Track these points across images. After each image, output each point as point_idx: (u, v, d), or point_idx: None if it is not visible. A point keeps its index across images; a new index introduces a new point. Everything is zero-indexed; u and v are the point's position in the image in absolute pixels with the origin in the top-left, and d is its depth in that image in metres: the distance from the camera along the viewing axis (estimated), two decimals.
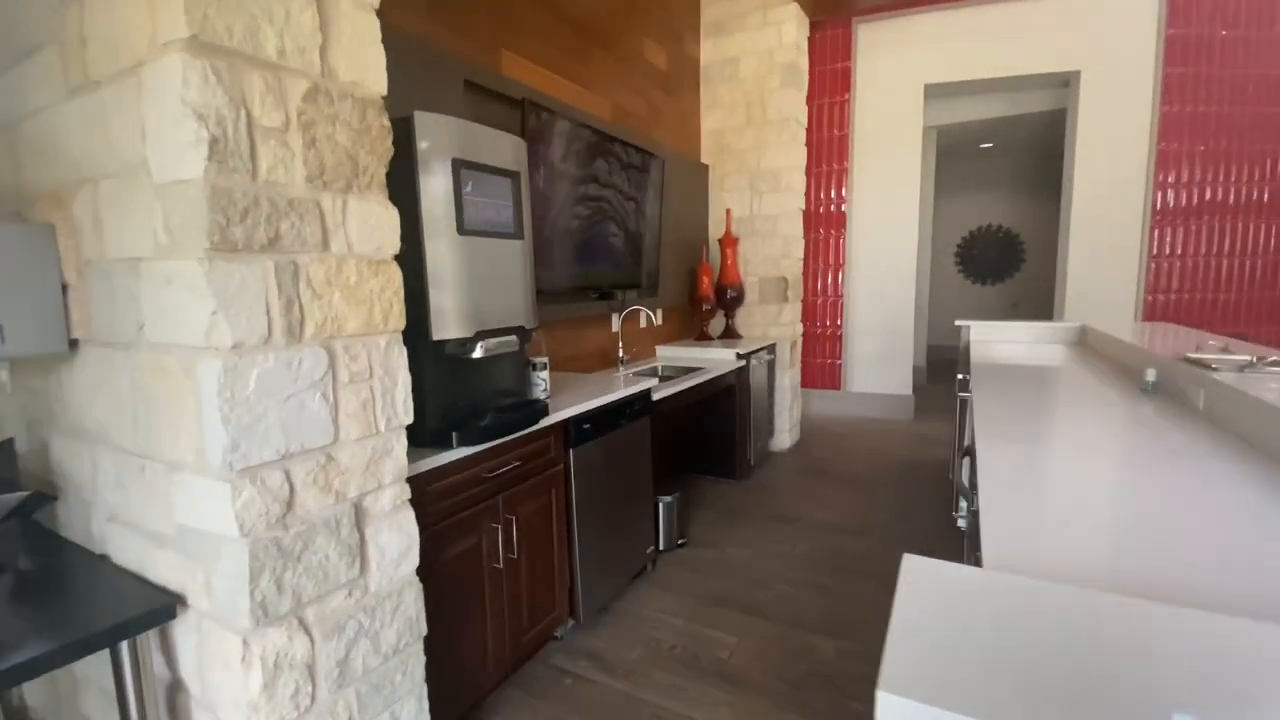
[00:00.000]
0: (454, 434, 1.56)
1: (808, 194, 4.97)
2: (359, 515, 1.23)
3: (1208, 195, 4.47)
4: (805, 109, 4.13)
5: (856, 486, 3.64)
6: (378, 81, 1.22)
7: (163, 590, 1.16)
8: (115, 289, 1.13)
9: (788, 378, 4.27)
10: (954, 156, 7.39)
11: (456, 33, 2.26)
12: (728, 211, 4.12)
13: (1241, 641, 0.65)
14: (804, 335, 5.16)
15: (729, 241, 4.05)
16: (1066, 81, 4.75)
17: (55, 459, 1.39)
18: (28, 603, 1.08)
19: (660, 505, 2.73)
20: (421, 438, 1.51)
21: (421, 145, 1.44)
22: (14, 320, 1.16)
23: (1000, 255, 8.26)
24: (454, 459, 1.57)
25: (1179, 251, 4.58)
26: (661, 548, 2.75)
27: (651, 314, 3.29)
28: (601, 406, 2.19)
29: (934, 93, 4.97)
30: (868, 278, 5.22)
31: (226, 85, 0.97)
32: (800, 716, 1.78)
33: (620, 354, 3.27)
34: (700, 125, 4.26)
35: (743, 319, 4.27)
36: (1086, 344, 3.57)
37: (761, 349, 3.88)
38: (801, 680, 1.94)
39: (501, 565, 1.75)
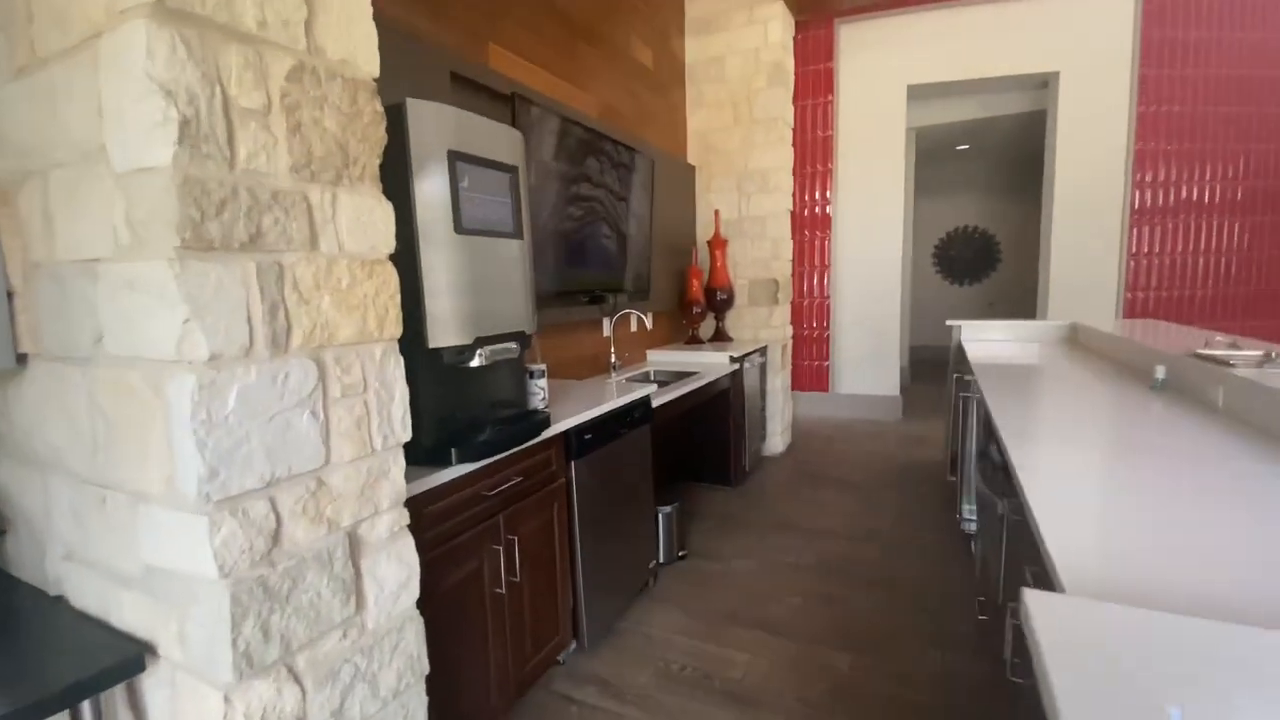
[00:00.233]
0: (453, 450, 1.44)
1: (794, 195, 4.93)
2: (354, 546, 1.10)
3: (1184, 194, 4.55)
4: (792, 109, 4.09)
5: (853, 490, 3.59)
6: (369, 61, 1.09)
7: (129, 638, 1.01)
8: (69, 295, 0.99)
9: (779, 380, 4.21)
10: (931, 158, 7.46)
11: (442, 23, 2.14)
12: (716, 213, 4.05)
13: None
14: (792, 337, 5.12)
15: (718, 243, 3.98)
16: (1045, 83, 4.80)
17: (2, 487, 1.23)
18: None
19: (660, 516, 2.62)
20: (416, 455, 1.38)
21: (415, 136, 1.31)
22: None
23: (976, 256, 8.37)
24: (452, 478, 1.44)
25: (1157, 250, 4.65)
26: (662, 560, 2.64)
27: (643, 318, 3.19)
28: (602, 415, 2.08)
29: (914, 94, 4.98)
30: (853, 279, 5.20)
31: (199, 59, 0.84)
32: None
33: (612, 359, 3.16)
34: (686, 125, 4.19)
35: (733, 322, 4.19)
36: (1077, 342, 3.57)
37: (754, 352, 3.81)
38: (821, 700, 1.85)
39: (504, 590, 1.62)
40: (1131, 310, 4.73)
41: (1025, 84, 4.94)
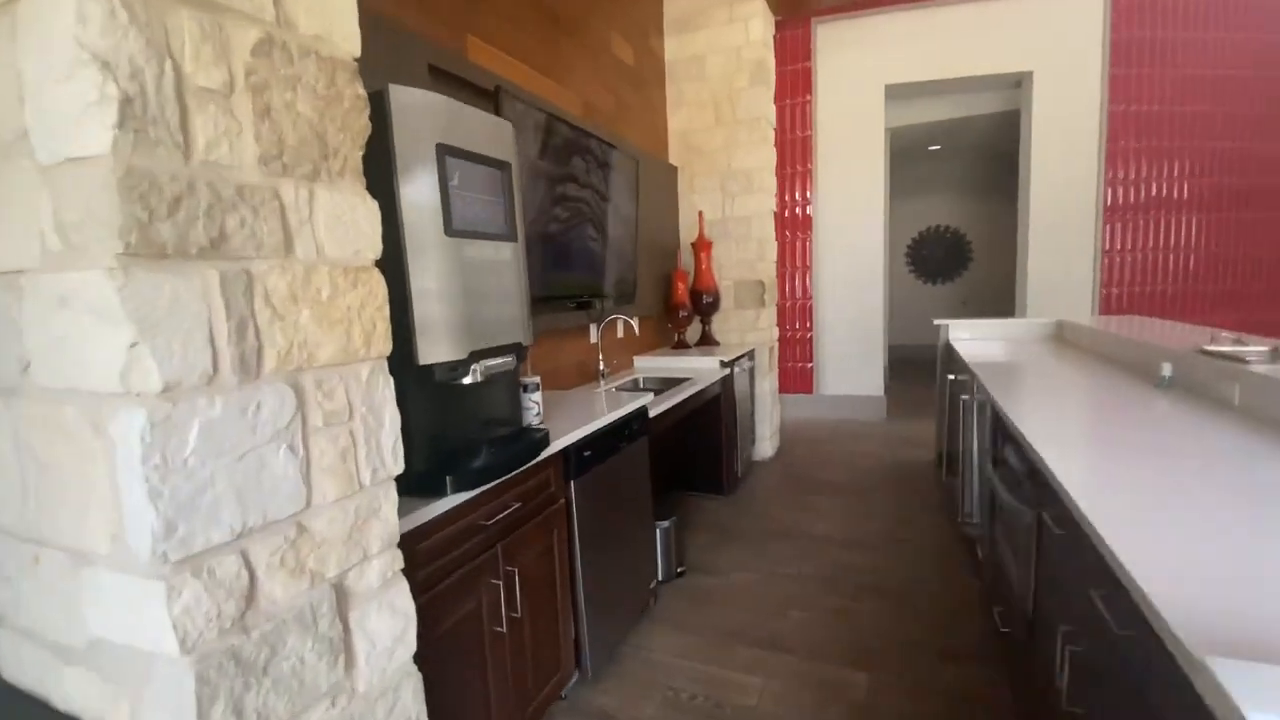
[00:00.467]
0: (448, 479, 1.29)
1: (777, 196, 4.87)
2: (341, 598, 0.95)
3: (1153, 191, 4.63)
4: (774, 108, 4.02)
5: (847, 494, 3.52)
6: (348, 39, 0.95)
7: None
8: None
9: (768, 384, 4.13)
10: (903, 159, 7.52)
11: (418, 12, 1.98)
12: (700, 214, 3.95)
13: None
14: (778, 339, 5.06)
15: (703, 245, 3.88)
16: (1019, 82, 4.84)
17: None
18: None
19: (658, 531, 2.50)
20: (404, 484, 1.23)
21: (399, 126, 1.17)
22: None
23: (948, 255, 8.48)
24: (446, 509, 1.29)
25: (1130, 246, 4.72)
26: (661, 578, 2.52)
27: (631, 323, 3.07)
28: (601, 430, 1.94)
29: (890, 94, 4.98)
30: (835, 280, 5.17)
31: (143, 24, 0.69)
32: None
33: (601, 368, 3.03)
34: (667, 125, 4.08)
35: (719, 325, 4.10)
36: (1064, 339, 3.57)
37: (742, 356, 3.72)
38: None
39: (504, 628, 1.48)
40: (1107, 306, 4.80)
41: (999, 84, 4.98)
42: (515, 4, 2.50)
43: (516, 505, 1.54)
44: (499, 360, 1.43)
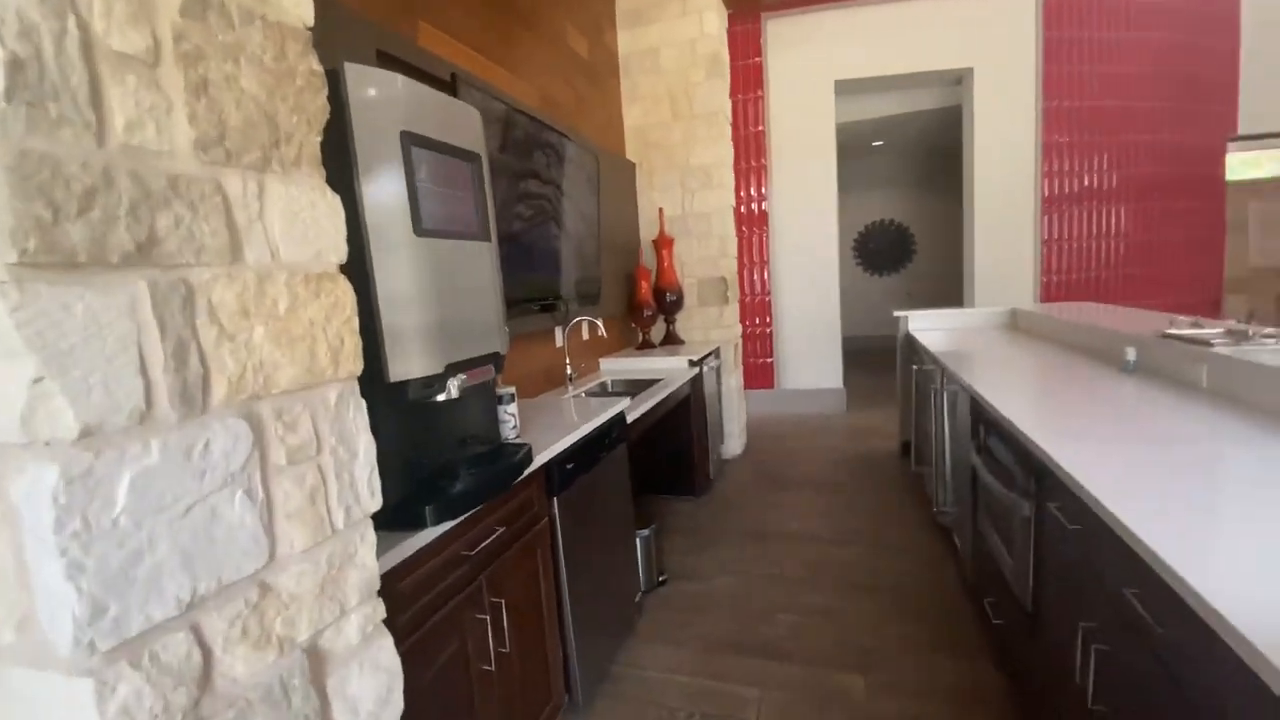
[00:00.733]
0: (427, 509, 1.15)
1: (735, 191, 4.84)
2: (315, 664, 0.80)
3: (1086, 183, 4.85)
4: (730, 103, 3.98)
5: (819, 489, 3.52)
6: (299, 3, 0.80)
7: None
8: None
9: (734, 381, 4.09)
10: (848, 154, 7.66)
11: None
12: (660, 210, 3.87)
13: None
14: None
15: (664, 242, 3.80)
16: (959, 79, 4.98)
17: None
18: None
19: (639, 541, 2.39)
20: (377, 518, 1.08)
21: (358, 111, 1.02)
22: None
23: (893, 248, 8.72)
24: (425, 543, 1.15)
25: (1066, 235, 4.94)
26: (643, 589, 2.42)
27: (596, 324, 2.95)
28: (582, 440, 1.83)
29: (839, 90, 5.03)
30: (791, 274, 5.20)
31: None
32: None
33: (568, 372, 2.90)
34: (623, 120, 3.98)
35: (683, 323, 4.03)
36: (1018, 327, 3.68)
37: (709, 354, 3.66)
38: None
39: (493, 666, 1.34)
40: (1048, 294, 5.00)
41: (941, 80, 5.12)
42: None
43: (500, 530, 1.40)
44: (477, 372, 1.30)
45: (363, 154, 1.04)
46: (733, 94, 4.78)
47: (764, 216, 5.09)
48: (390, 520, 1.10)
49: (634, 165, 3.99)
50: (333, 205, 0.84)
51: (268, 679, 0.73)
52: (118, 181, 0.59)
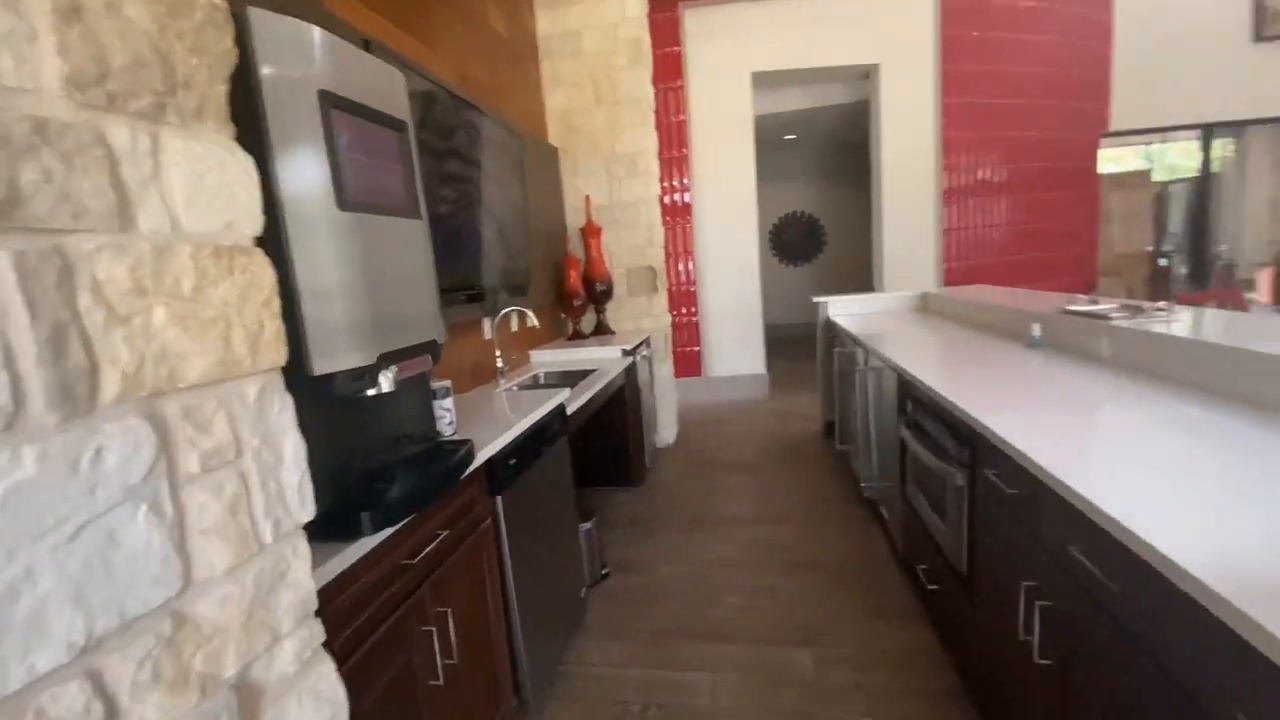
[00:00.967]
0: (363, 516, 1.03)
1: (660, 180, 4.83)
2: (247, 701, 0.69)
3: (979, 176, 5.23)
4: (652, 90, 3.94)
5: (751, 472, 3.59)
6: None
7: None
8: None
9: (665, 370, 4.10)
10: (762, 147, 7.85)
11: None
12: (587, 198, 3.79)
13: None
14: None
15: (592, 231, 3.73)
16: (867, 74, 5.21)
17: None
18: None
19: (581, 535, 2.33)
20: (307, 528, 0.97)
21: (268, 63, 0.89)
22: None
23: (805, 239, 9.07)
24: (363, 554, 1.04)
25: (964, 225, 5.30)
26: (587, 583, 2.36)
27: (529, 315, 2.84)
28: (524, 434, 1.74)
29: (755, 82, 5.13)
30: (715, 264, 5.27)
31: None
32: None
33: (499, 365, 2.77)
34: (544, 103, 3.85)
35: (613, 313, 3.98)
36: (929, 309, 3.91)
37: (641, 343, 3.63)
38: (798, 707, 1.72)
39: (441, 680, 1.24)
40: (948, 279, 5.36)
41: (850, 75, 5.33)
42: None
43: (442, 534, 1.30)
44: (413, 362, 1.19)
45: (274, 114, 0.91)
46: (654, 82, 4.77)
47: (687, 207, 5.12)
48: (321, 531, 0.98)
49: (557, 151, 3.88)
50: (245, 168, 0.72)
51: None
52: None
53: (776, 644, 2.01)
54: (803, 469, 3.57)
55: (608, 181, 3.89)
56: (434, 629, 1.22)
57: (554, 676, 1.90)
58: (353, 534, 1.02)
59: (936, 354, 2.48)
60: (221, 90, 0.70)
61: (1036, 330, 2.30)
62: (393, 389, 1.13)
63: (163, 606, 0.60)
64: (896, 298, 4.12)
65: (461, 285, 2.41)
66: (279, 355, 0.77)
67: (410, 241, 1.19)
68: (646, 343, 3.77)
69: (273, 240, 0.91)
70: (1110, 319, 1.95)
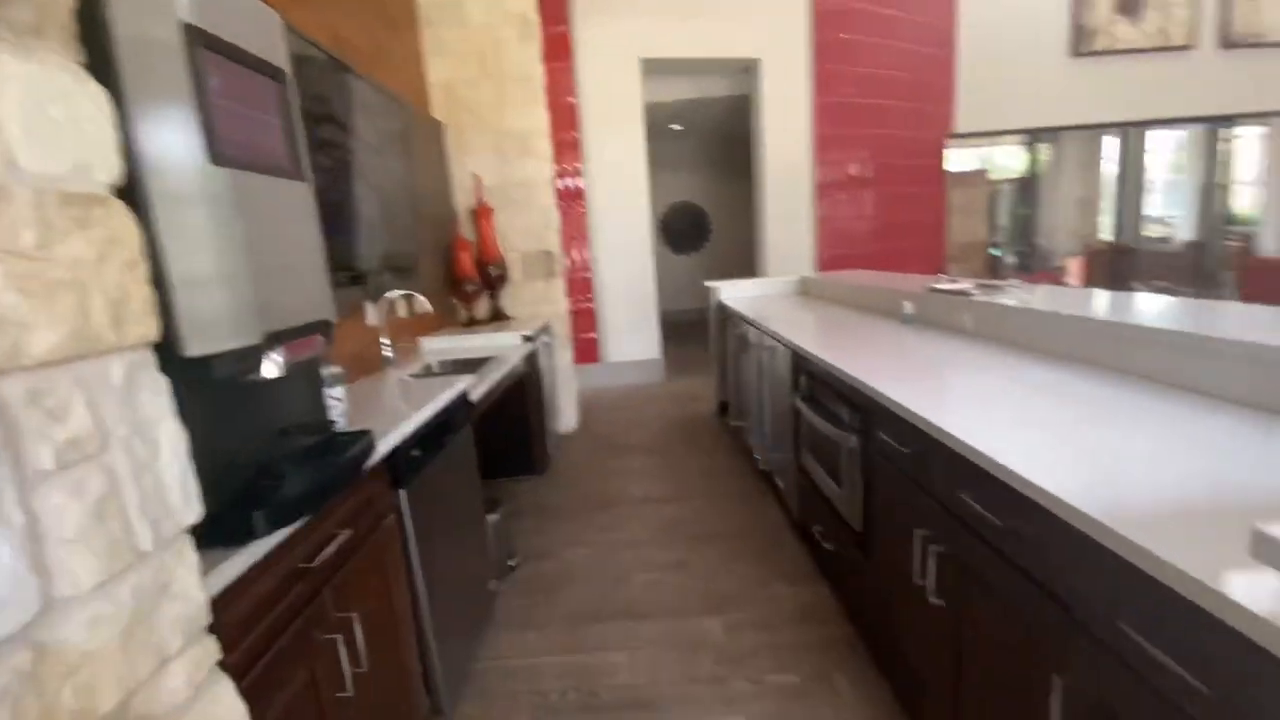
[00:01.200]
0: (256, 515, 0.91)
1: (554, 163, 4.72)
2: None
3: (848, 171, 5.65)
4: (542, 68, 3.83)
5: (652, 453, 3.65)
6: None
7: None
8: None
9: (565, 356, 4.04)
10: (649, 136, 7.97)
11: None
12: (477, 177, 3.62)
13: None
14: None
15: (484, 212, 3.58)
16: (749, 69, 5.43)
17: None
18: None
19: (488, 526, 2.24)
20: (191, 530, 0.83)
21: None
22: None
23: (692, 227, 9.34)
24: (255, 560, 0.92)
25: (836, 216, 5.71)
26: (497, 575, 2.28)
27: (420, 299, 2.67)
28: (426, 424, 1.63)
29: (644, 69, 5.17)
30: (610, 249, 5.27)
31: None
32: (741, 715, 1.62)
33: (387, 353, 2.58)
34: (426, 74, 3.61)
35: (509, 298, 3.85)
36: (809, 292, 4.18)
37: (541, 329, 3.55)
38: (714, 673, 1.79)
39: (349, 690, 1.14)
40: (822, 266, 5.75)
41: (733, 68, 5.52)
42: None
43: (343, 534, 1.19)
44: (303, 343, 1.06)
45: (128, 48, 0.76)
46: (543, 61, 4.64)
47: (580, 191, 5.06)
48: (207, 535, 0.85)
49: (442, 125, 3.66)
50: (97, 101, 0.60)
51: None
52: None
53: (688, 615, 2.07)
54: (701, 447, 3.69)
55: (498, 161, 3.74)
56: (340, 637, 1.12)
57: (467, 675, 1.82)
58: (244, 536, 0.90)
59: (823, 332, 2.65)
60: (65, 5, 0.57)
61: (908, 308, 2.54)
62: (282, 374, 1.01)
63: (18, 635, 0.49)
64: (779, 282, 4.36)
65: (339, 265, 2.20)
66: (149, 329, 0.65)
67: (295, 206, 1.06)
68: (546, 329, 3.69)
69: (129, 196, 0.77)
70: (971, 295, 2.19)
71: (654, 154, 8.46)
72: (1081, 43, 5.93)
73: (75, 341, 0.56)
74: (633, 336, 5.40)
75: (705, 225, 9.33)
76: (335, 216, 2.10)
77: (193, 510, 0.69)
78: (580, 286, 5.14)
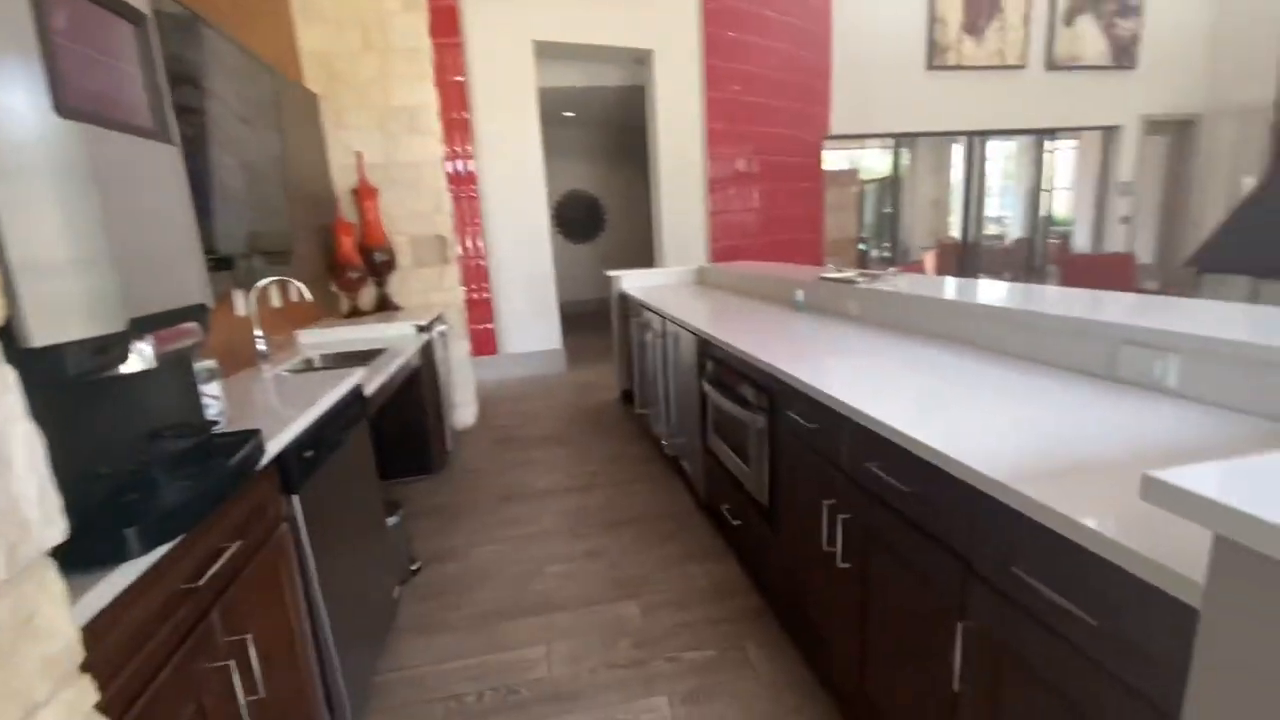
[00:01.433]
0: (128, 533, 0.78)
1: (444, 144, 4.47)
2: None
3: (736, 166, 5.88)
4: (430, 42, 3.61)
5: (557, 444, 3.60)
6: None
7: None
8: None
9: (462, 347, 3.86)
10: (543, 122, 7.80)
11: None
12: (359, 155, 3.35)
13: None
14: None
15: (366, 192, 3.32)
16: (642, 59, 5.46)
17: None
18: None
19: (389, 529, 2.10)
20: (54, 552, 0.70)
21: None
22: None
23: (588, 217, 9.29)
24: (130, 581, 0.79)
25: (726, 209, 5.92)
26: (399, 581, 2.14)
27: (299, 287, 2.43)
28: (318, 421, 1.49)
29: (536, 52, 5.03)
30: (506, 237, 5.10)
31: None
32: (662, 694, 1.65)
33: (261, 347, 2.33)
34: (297, 41, 3.28)
35: (398, 287, 3.61)
36: (706, 281, 4.31)
37: (435, 319, 3.37)
38: (633, 656, 1.80)
39: (246, 719, 1.01)
40: (715, 257, 5.96)
41: (627, 58, 5.53)
42: None
43: (231, 546, 1.05)
44: (175, 333, 0.92)
45: None
46: (431, 35, 4.37)
47: (472, 176, 4.84)
48: (69, 557, 0.71)
49: (317, 97, 3.34)
50: None
51: None
52: None
53: (604, 602, 2.07)
54: (606, 436, 3.69)
55: (383, 138, 3.48)
56: (232, 662, 0.99)
57: (374, 689, 1.70)
58: (115, 556, 0.76)
59: (725, 318, 2.75)
60: None
61: (800, 295, 2.69)
62: (150, 367, 0.87)
63: None
64: (677, 271, 4.46)
65: (205, 247, 1.95)
66: None
67: (162, 172, 0.91)
68: (441, 318, 3.51)
69: None
70: (856, 283, 2.36)
71: (547, 141, 8.31)
72: (935, 57, 6.59)
73: None
74: (532, 326, 5.28)
75: (600, 214, 9.32)
76: (198, 192, 1.85)
77: (56, 530, 0.57)
78: (475, 275, 4.94)
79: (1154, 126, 7.51)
